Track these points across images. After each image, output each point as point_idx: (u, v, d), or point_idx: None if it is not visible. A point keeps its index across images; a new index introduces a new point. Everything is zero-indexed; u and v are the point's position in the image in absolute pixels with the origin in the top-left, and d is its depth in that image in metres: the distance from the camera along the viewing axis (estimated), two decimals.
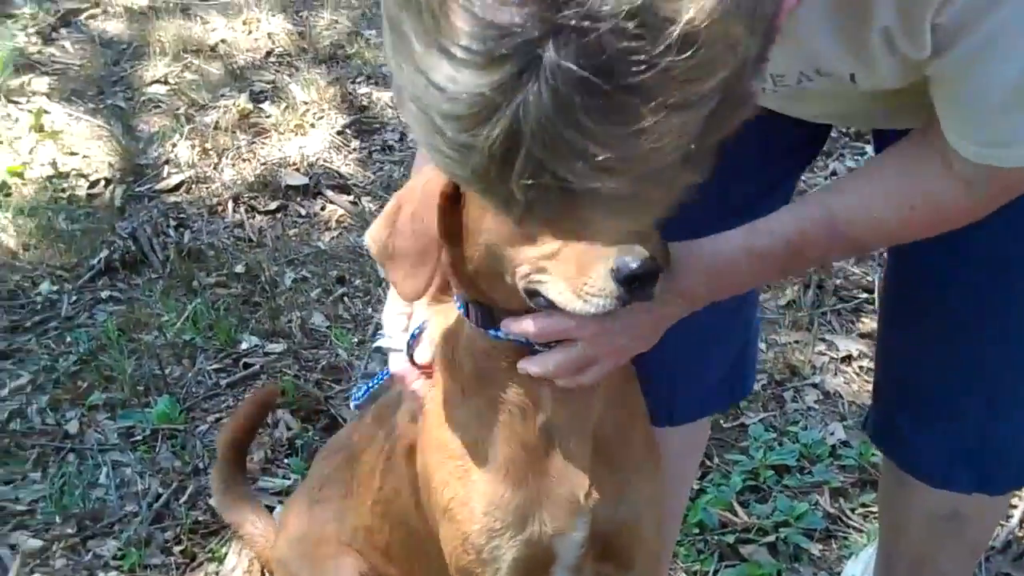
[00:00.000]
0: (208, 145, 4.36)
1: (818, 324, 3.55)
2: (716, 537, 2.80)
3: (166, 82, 4.76)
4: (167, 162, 4.28)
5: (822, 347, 3.47)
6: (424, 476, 1.99)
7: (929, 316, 1.91)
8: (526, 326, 1.73)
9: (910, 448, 2.02)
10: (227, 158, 4.30)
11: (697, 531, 2.82)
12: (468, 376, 1.89)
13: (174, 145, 4.34)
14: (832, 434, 3.14)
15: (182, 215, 4.02)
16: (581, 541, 1.88)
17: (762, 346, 3.45)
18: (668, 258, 1.67)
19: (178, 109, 4.54)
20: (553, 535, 1.86)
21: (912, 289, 1.93)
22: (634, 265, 1.56)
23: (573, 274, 1.62)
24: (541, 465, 1.86)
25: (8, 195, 4.01)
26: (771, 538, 2.80)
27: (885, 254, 2.21)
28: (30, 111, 4.36)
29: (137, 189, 4.14)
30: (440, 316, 1.97)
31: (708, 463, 3.03)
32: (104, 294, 3.66)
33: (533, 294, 1.70)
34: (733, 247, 1.68)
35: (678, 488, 2.35)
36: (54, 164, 4.14)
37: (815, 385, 3.34)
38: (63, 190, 4.06)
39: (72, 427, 3.16)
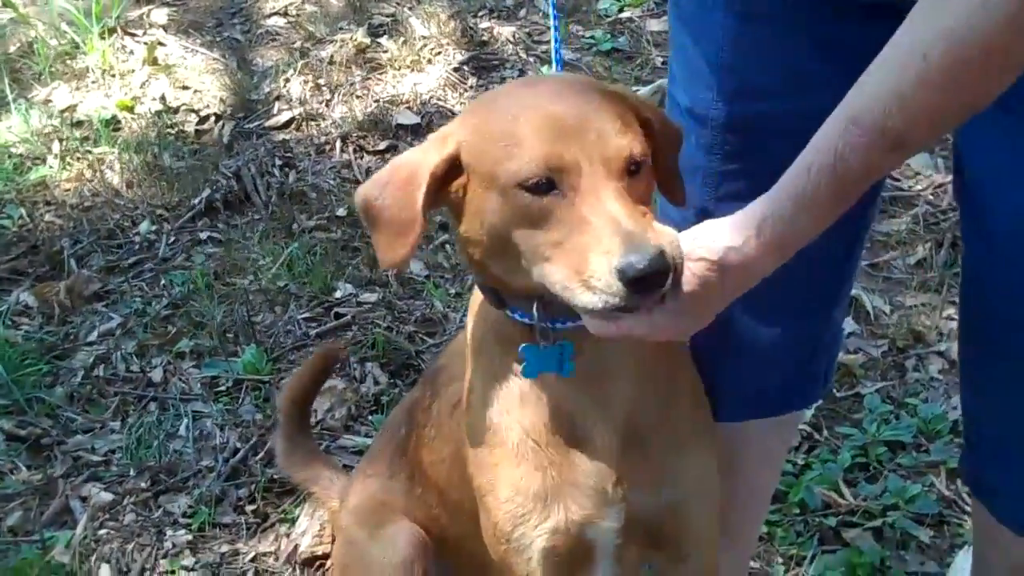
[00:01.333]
0: (321, 81, 4.26)
1: (948, 286, 3.25)
2: (818, 519, 2.60)
3: (285, 14, 4.68)
4: (278, 98, 4.20)
5: (951, 311, 3.17)
6: (463, 462, 1.91)
7: (1013, 382, 1.81)
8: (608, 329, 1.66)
9: (998, 497, 1.93)
10: (339, 95, 4.19)
11: (797, 511, 2.63)
12: (489, 359, 1.88)
13: (287, 80, 4.26)
14: (955, 408, 2.87)
15: (288, 154, 3.94)
16: (616, 531, 1.84)
17: (886, 308, 3.24)
18: (679, 249, 1.56)
19: (294, 43, 4.46)
20: (583, 523, 1.82)
21: (992, 355, 1.84)
22: (640, 266, 1.48)
23: (579, 264, 1.56)
24: (563, 453, 1.82)
25: (117, 130, 4.00)
26: (877, 522, 2.59)
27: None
28: (145, 43, 4.33)
29: (246, 126, 4.08)
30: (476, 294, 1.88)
31: (816, 436, 2.84)
32: (203, 235, 3.63)
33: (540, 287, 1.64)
34: (774, 199, 1.54)
35: (753, 502, 2.23)
36: (163, 99, 4.11)
37: (940, 353, 3.08)
38: (172, 126, 4.03)
39: (156, 375, 3.14)
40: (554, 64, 2.24)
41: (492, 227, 1.65)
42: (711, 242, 1.59)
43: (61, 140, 3.89)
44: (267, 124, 4.10)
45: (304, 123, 4.11)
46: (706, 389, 2.00)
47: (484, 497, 1.89)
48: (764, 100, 1.86)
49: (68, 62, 4.25)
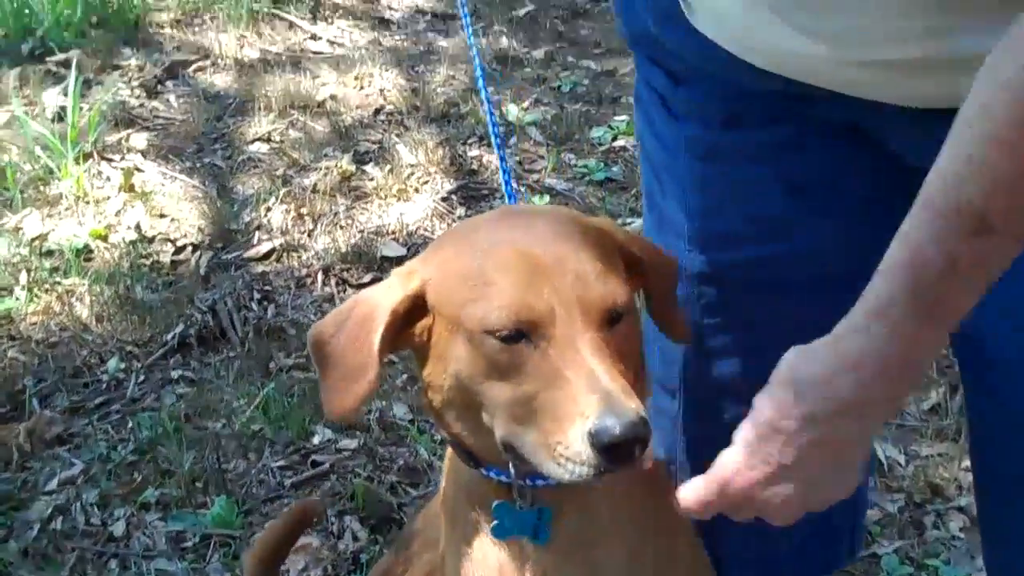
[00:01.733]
0: (304, 210, 4.15)
1: (965, 434, 3.09)
2: None
3: (269, 140, 4.59)
4: (259, 228, 4.09)
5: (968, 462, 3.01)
6: None
7: None
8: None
9: None
10: (322, 225, 4.08)
11: None
12: (463, 524, 1.75)
13: (268, 209, 4.15)
14: (980, 570, 2.68)
15: (268, 287, 3.81)
16: None
17: (900, 458, 3.09)
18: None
19: (277, 170, 4.37)
20: None
21: (1010, 509, 1.68)
22: (616, 431, 1.36)
23: (548, 429, 1.43)
24: None
25: (89, 259, 3.86)
26: None
27: None
28: (122, 169, 4.22)
29: (224, 257, 3.96)
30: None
31: None
32: (175, 374, 3.47)
33: (507, 447, 1.52)
34: (853, 323, 1.33)
35: None
36: (138, 227, 3.99)
37: (961, 509, 2.92)
38: (146, 256, 3.90)
39: (118, 529, 2.95)
40: (506, 197, 2.14)
41: (457, 375, 1.52)
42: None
43: (29, 271, 3.74)
44: (246, 255, 3.97)
45: (285, 254, 3.98)
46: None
47: None
48: (734, 248, 1.75)
49: (41, 188, 4.13)
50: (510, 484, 1.64)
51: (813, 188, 1.67)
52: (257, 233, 4.08)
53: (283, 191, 4.23)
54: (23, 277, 3.73)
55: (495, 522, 1.66)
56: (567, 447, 1.39)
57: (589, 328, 1.46)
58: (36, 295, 3.67)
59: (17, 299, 3.65)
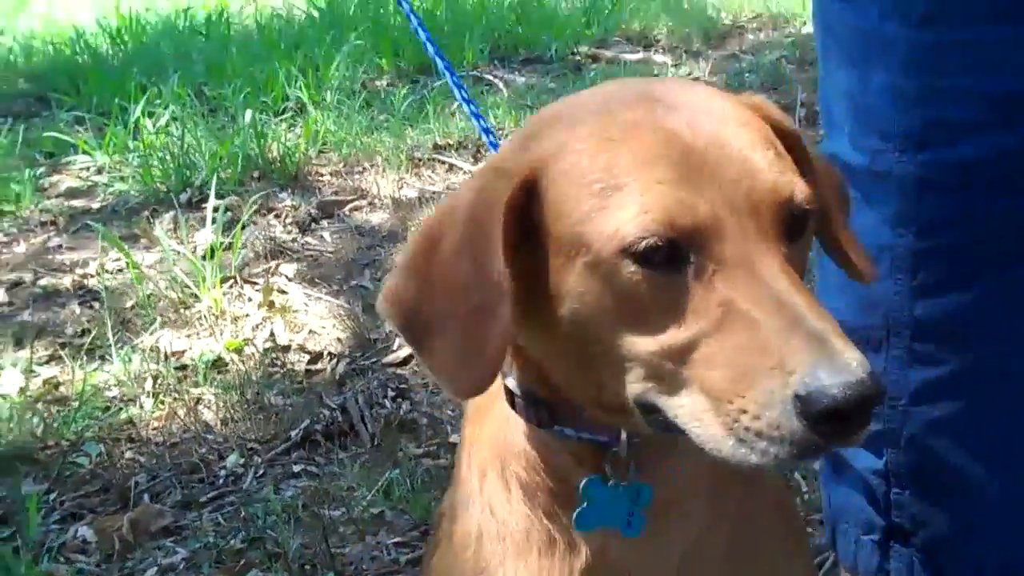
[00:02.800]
0: None
1: None
2: None
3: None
4: (399, 335, 3.91)
5: None
6: None
7: None
8: None
9: None
10: None
11: None
12: (502, 491, 1.39)
13: None
14: None
15: (403, 385, 3.62)
16: None
17: None
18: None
19: None
20: None
21: None
22: (837, 393, 0.98)
23: (724, 389, 1.05)
24: None
25: (223, 371, 3.76)
26: None
27: None
28: (263, 289, 4.18)
29: (361, 363, 3.79)
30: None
31: None
32: (296, 468, 3.26)
33: (650, 409, 1.14)
34: None
35: None
36: (273, 336, 3.89)
37: None
38: (281, 364, 3.77)
39: None
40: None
41: (575, 318, 1.14)
42: None
43: (155, 378, 3.66)
44: (385, 360, 3.80)
45: None
46: (925, 550, 1.58)
47: None
48: (970, 137, 1.43)
49: (181, 311, 4.11)
50: (598, 449, 1.28)
51: None
52: (397, 340, 3.91)
53: None
54: (148, 384, 3.65)
55: (582, 506, 1.30)
56: (759, 415, 1.02)
57: (771, 241, 1.10)
58: (161, 402, 3.57)
59: (142, 407, 3.55)
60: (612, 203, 1.09)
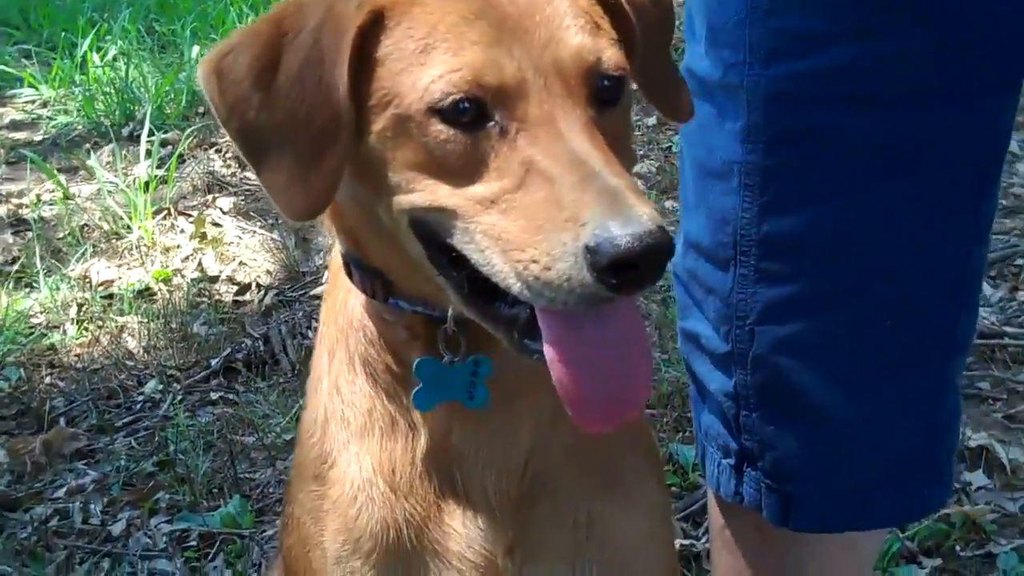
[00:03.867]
0: None
1: None
2: None
3: None
4: (328, 267, 3.92)
5: None
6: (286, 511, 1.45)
7: None
8: None
9: None
10: None
11: None
12: (346, 368, 1.39)
13: None
14: None
15: None
16: None
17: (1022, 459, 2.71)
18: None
19: None
20: None
21: None
22: (624, 243, 1.00)
23: (516, 238, 1.07)
24: (428, 506, 1.34)
25: (151, 301, 3.75)
26: None
27: None
28: (195, 221, 4.17)
29: (289, 294, 3.79)
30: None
31: None
32: (215, 396, 3.26)
33: (425, 231, 1.16)
34: None
35: None
36: (201, 267, 3.89)
37: None
38: (208, 294, 3.77)
39: (117, 528, 2.71)
40: None
41: (376, 162, 1.15)
42: None
43: (81, 306, 3.66)
44: (313, 292, 3.80)
45: None
46: (772, 475, 1.55)
47: (307, 554, 1.38)
48: (817, 51, 1.40)
49: (113, 242, 4.10)
50: (431, 324, 1.29)
51: None
52: (327, 273, 3.90)
53: None
54: (73, 311, 3.65)
55: (418, 387, 1.31)
56: (549, 267, 1.04)
57: (575, 103, 1.12)
58: (85, 329, 3.57)
59: (65, 333, 3.55)
60: (427, 60, 1.12)
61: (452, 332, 1.29)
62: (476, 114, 1.11)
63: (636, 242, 0.99)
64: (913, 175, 1.44)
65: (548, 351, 1.11)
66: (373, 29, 1.17)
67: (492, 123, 1.11)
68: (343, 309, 1.39)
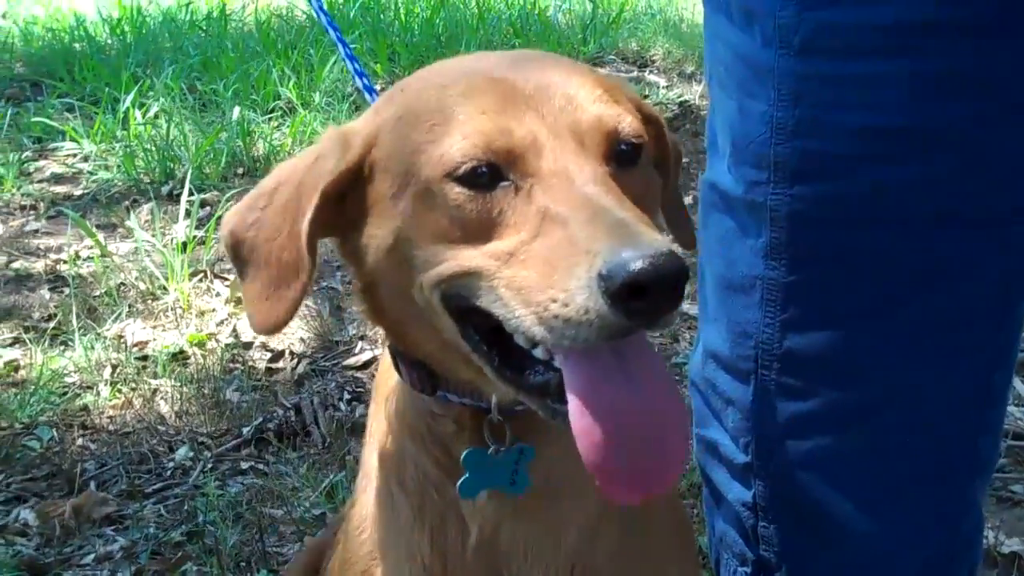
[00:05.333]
0: None
1: None
2: None
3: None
4: (363, 338, 3.95)
5: None
6: None
7: None
8: None
9: None
10: None
11: None
12: (392, 453, 1.45)
13: None
14: None
15: (360, 389, 3.63)
16: None
17: None
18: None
19: None
20: None
21: None
22: (637, 265, 1.02)
23: (535, 283, 1.09)
24: None
25: (184, 364, 3.78)
26: None
27: None
28: (229, 286, 4.20)
29: (322, 363, 3.81)
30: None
31: None
32: (245, 465, 3.27)
33: (459, 304, 1.21)
34: None
35: None
36: (236, 333, 3.91)
37: None
38: (242, 361, 3.79)
39: None
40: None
41: (404, 244, 1.21)
42: None
43: (115, 367, 3.68)
44: (346, 363, 3.82)
45: None
46: None
47: None
48: (841, 173, 1.42)
49: (149, 302, 4.13)
50: (478, 416, 1.34)
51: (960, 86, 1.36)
52: (360, 343, 3.94)
53: None
54: (107, 372, 3.67)
55: (464, 476, 1.35)
56: (567, 303, 1.06)
57: (588, 158, 1.17)
58: (118, 391, 3.59)
59: (98, 394, 3.57)
60: (439, 134, 1.19)
61: (498, 421, 1.33)
62: (492, 176, 1.16)
63: (647, 264, 1.01)
64: (934, 296, 1.45)
65: (573, 414, 1.12)
66: (358, 171, 1.28)
67: (507, 183, 1.16)
68: (392, 406, 1.44)
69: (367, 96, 1.81)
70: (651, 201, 1.30)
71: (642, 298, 1.02)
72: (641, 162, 1.25)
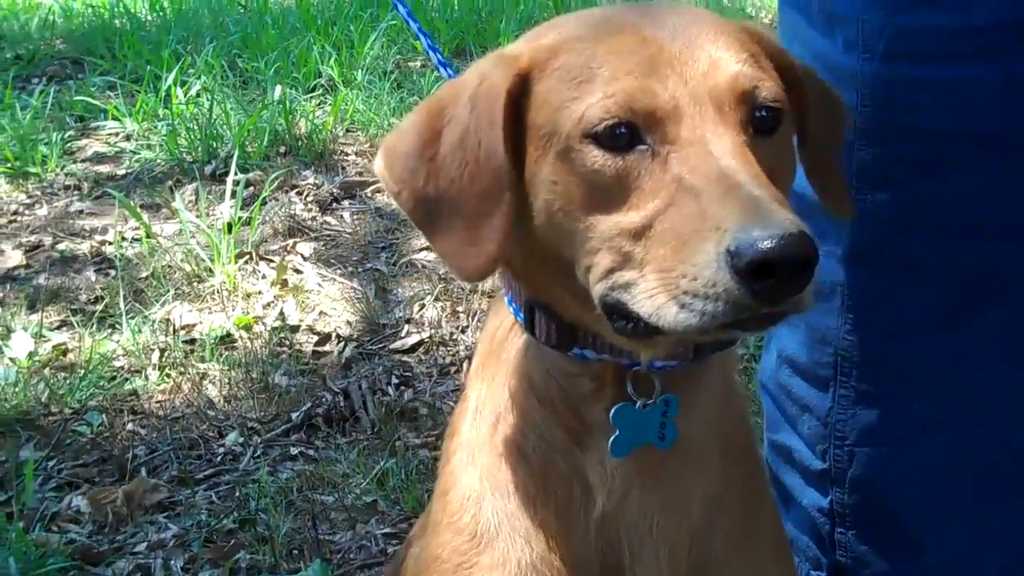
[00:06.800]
0: (460, 308, 3.98)
1: None
2: None
3: None
4: (409, 321, 3.94)
5: None
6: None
7: None
8: None
9: None
10: (477, 321, 3.88)
11: None
12: (513, 422, 1.39)
13: (423, 306, 4.01)
14: None
15: (408, 373, 3.62)
16: None
17: None
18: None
19: (441, 271, 4.23)
20: None
21: None
22: (765, 244, 1.01)
23: (670, 261, 1.09)
24: None
25: (231, 348, 3.78)
26: None
27: None
28: (276, 267, 4.19)
29: (369, 347, 3.80)
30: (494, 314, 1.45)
31: None
32: (294, 451, 3.27)
33: (614, 309, 1.19)
34: None
35: None
36: (282, 315, 3.90)
37: None
38: (289, 344, 3.78)
39: None
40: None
41: (548, 209, 1.21)
42: None
43: (163, 351, 3.69)
44: (392, 346, 3.81)
45: (433, 347, 3.80)
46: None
47: None
48: (928, 176, 1.40)
49: (195, 284, 4.13)
50: (616, 371, 1.31)
51: None
52: (407, 327, 3.93)
53: (439, 288, 4.08)
54: (155, 357, 3.67)
55: (615, 434, 1.31)
56: (696, 276, 1.06)
57: (727, 127, 1.16)
58: (167, 375, 3.60)
59: (147, 379, 3.58)
60: (583, 92, 1.18)
61: (645, 373, 1.30)
62: (630, 138, 1.15)
63: (776, 243, 1.00)
64: (1013, 305, 1.43)
65: None
66: (524, 90, 1.25)
67: (644, 146, 1.15)
68: (514, 373, 1.39)
69: (443, 71, 1.79)
70: (787, 172, 1.28)
71: (769, 278, 1.02)
72: (781, 130, 1.23)
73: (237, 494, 3.07)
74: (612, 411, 1.31)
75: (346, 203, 4.93)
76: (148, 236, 4.42)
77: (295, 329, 3.90)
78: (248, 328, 3.88)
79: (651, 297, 1.11)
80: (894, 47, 1.34)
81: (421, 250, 4.48)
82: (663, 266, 1.10)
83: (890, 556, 1.58)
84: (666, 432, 1.31)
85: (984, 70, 1.29)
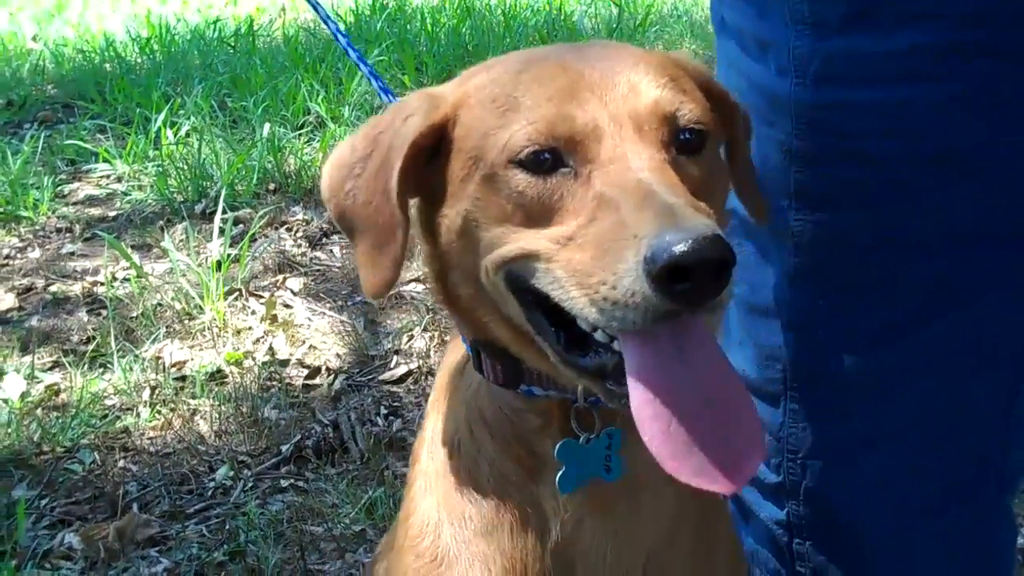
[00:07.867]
0: (448, 338, 4.01)
1: None
2: None
3: (425, 280, 4.54)
4: (397, 352, 3.98)
5: None
6: None
7: None
8: None
9: None
10: None
11: None
12: (467, 452, 1.45)
13: (411, 337, 4.05)
14: None
15: (396, 404, 3.66)
16: None
17: None
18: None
19: (429, 302, 4.28)
20: None
21: None
22: (678, 248, 1.04)
23: (587, 267, 1.14)
24: None
25: (222, 383, 3.82)
26: None
27: None
28: (266, 302, 4.24)
29: (358, 379, 3.84)
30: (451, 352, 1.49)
31: None
32: (284, 483, 3.30)
33: (517, 282, 1.26)
34: None
35: None
36: (272, 351, 3.95)
37: None
38: (279, 379, 3.82)
39: None
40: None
41: (467, 218, 1.27)
42: None
43: (154, 389, 3.73)
44: (381, 377, 3.85)
45: (422, 377, 3.84)
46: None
47: None
48: (868, 199, 1.43)
49: (186, 322, 4.18)
50: (564, 412, 1.37)
51: None
52: (396, 358, 3.97)
53: (427, 319, 4.13)
54: (146, 394, 3.71)
55: (561, 470, 1.37)
56: (615, 285, 1.09)
57: (646, 145, 1.20)
58: (158, 412, 3.64)
59: (138, 416, 3.62)
60: (507, 120, 1.24)
61: (585, 408, 1.35)
62: (553, 162, 1.21)
63: (689, 247, 1.03)
64: (960, 314, 1.47)
65: (633, 400, 1.15)
66: (449, 124, 1.32)
67: (567, 168, 1.20)
68: (470, 403, 1.45)
69: (384, 98, 1.84)
70: (716, 188, 1.32)
71: (685, 280, 1.05)
72: (706, 150, 1.27)
73: (227, 527, 3.11)
74: (556, 448, 1.36)
75: (335, 238, 4.98)
76: (139, 276, 4.47)
77: (285, 363, 3.95)
78: (238, 363, 3.93)
79: (570, 297, 1.16)
80: (825, 71, 1.38)
81: (410, 282, 4.53)
82: (581, 271, 1.14)
83: (846, 566, 1.61)
84: (612, 464, 1.36)
85: (916, 91, 1.33)
